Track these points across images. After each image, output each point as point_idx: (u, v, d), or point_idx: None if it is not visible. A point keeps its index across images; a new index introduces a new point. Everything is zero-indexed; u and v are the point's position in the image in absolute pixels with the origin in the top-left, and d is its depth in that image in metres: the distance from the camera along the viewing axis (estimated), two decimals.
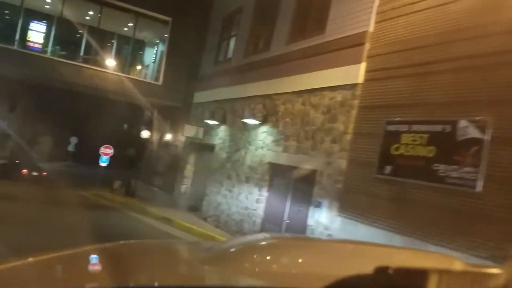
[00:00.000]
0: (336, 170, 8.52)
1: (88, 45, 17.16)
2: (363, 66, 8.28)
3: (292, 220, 9.52)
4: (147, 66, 18.83)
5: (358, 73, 8.32)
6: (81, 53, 17.02)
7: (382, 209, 7.26)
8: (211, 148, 14.47)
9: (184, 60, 17.53)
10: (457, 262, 1.60)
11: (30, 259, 1.40)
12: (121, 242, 1.80)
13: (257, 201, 11.02)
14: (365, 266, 0.97)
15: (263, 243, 1.78)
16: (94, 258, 1.60)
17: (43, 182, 22.31)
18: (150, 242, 2.85)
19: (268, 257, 1.54)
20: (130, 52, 18.22)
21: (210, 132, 14.62)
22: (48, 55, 16.20)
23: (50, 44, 16.67)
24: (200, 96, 15.98)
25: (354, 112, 8.38)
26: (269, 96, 11.25)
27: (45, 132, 40.06)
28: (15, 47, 15.26)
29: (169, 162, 17.50)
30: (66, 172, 33.54)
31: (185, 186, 15.79)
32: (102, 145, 22.83)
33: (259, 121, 11.36)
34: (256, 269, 1.39)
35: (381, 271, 0.90)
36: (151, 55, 19.36)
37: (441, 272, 0.95)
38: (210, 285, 1.36)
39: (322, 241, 3.21)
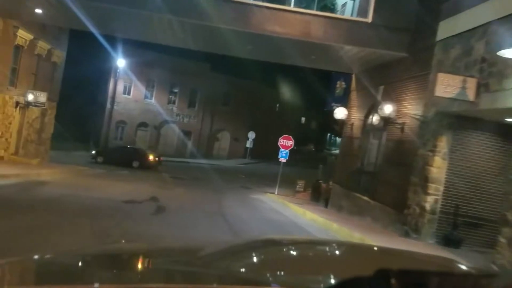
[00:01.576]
0: None
1: None
2: None
3: None
4: (344, 3, 12.10)
5: None
6: None
7: None
8: (506, 121, 6.68)
9: None
10: (458, 265, 1.57)
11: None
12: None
13: None
14: (366, 269, 0.95)
15: (264, 244, 1.75)
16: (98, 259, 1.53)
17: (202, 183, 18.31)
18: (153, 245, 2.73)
19: (268, 258, 1.54)
20: None
21: (501, 83, 6.79)
22: None
23: None
24: (456, 24, 8.24)
25: None
26: None
27: (223, 127, 38.17)
28: None
29: (390, 155, 10.32)
30: (244, 170, 30.24)
31: (433, 197, 8.28)
32: (281, 136, 17.69)
33: None
34: (257, 270, 1.39)
35: (382, 274, 0.89)
36: None
37: (442, 275, 1.03)
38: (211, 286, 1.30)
39: (324, 243, 2.67)
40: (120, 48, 27.90)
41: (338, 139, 62.33)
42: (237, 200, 15.12)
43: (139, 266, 1.46)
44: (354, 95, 13.42)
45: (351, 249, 1.87)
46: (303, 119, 46.10)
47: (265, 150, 37.61)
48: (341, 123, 13.35)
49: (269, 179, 22.82)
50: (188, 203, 11.75)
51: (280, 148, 17.94)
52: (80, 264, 1.39)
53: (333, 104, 13.72)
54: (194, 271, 1.32)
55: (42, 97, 15.49)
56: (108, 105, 30.62)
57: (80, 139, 26.60)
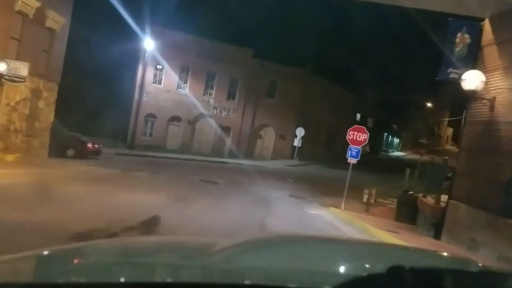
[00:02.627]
0: None
1: None
2: None
3: None
4: None
5: None
6: None
7: None
8: None
9: None
10: (473, 263, 1.51)
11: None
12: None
13: None
14: (379, 267, 0.96)
15: (278, 241, 1.75)
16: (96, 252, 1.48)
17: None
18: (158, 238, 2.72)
19: (282, 254, 1.51)
20: None
21: None
22: None
23: None
24: None
25: None
26: None
27: (267, 123, 32.89)
28: None
29: None
30: (292, 173, 25.00)
31: None
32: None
33: None
34: (270, 266, 1.34)
35: (395, 272, 0.87)
36: None
37: (457, 273, 1.02)
38: (215, 282, 1.23)
39: (337, 240, 2.59)
40: (148, 29, 23.80)
41: (396, 140, 55.51)
42: (290, 219, 10.09)
43: (151, 260, 1.40)
44: (491, 52, 7.96)
45: (365, 246, 1.84)
46: (358, 115, 40.17)
47: (315, 150, 32.23)
48: (472, 98, 7.90)
49: (323, 185, 17.73)
50: (209, 229, 6.84)
51: (348, 144, 12.76)
52: (90, 257, 1.37)
53: (451, 69, 8.31)
54: (208, 267, 1.29)
55: (23, 69, 11.27)
56: (136, 96, 26.60)
57: (107, 133, 22.75)
